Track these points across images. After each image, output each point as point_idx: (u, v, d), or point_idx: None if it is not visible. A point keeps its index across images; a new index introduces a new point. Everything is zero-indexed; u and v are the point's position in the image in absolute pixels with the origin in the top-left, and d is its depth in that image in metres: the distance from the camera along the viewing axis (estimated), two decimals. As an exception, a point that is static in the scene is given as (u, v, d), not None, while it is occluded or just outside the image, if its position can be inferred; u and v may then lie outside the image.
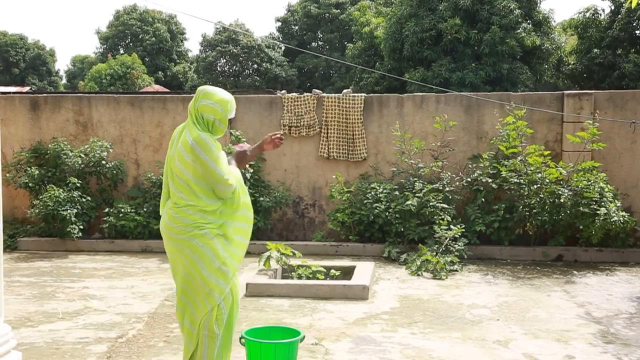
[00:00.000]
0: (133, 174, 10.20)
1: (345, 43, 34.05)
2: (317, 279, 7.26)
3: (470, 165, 9.42)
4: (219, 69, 40.93)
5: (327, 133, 9.84)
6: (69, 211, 9.22)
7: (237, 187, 3.92)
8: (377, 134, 9.79)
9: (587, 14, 21.18)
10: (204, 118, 3.85)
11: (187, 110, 3.68)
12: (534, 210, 8.71)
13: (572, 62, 22.22)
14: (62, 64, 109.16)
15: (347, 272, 7.49)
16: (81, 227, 9.47)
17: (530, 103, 9.42)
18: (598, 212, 8.35)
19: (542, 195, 8.69)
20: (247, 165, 9.36)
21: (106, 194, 10.01)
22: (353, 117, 9.74)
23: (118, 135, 10.22)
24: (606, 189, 8.62)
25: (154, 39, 43.80)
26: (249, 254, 9.08)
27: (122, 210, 9.54)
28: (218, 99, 3.87)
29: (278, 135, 4.23)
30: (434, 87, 11.84)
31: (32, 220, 9.81)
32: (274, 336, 4.26)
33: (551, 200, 8.63)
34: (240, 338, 4.17)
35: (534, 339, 5.46)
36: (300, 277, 7.33)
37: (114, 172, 9.82)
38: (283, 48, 39.65)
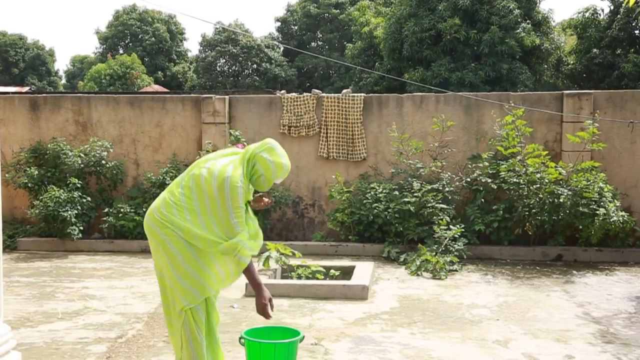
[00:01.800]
0: (133, 174, 10.19)
1: (345, 43, 34.07)
2: (317, 279, 7.26)
3: (469, 165, 9.42)
4: (218, 69, 40.96)
5: (327, 133, 9.84)
6: (69, 212, 9.21)
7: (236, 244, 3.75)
8: (377, 134, 9.79)
9: (587, 14, 21.19)
10: (255, 167, 3.80)
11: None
12: (534, 210, 8.71)
13: (572, 62, 22.24)
14: (61, 64, 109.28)
15: (347, 272, 7.49)
16: (81, 227, 9.47)
17: (530, 103, 9.42)
18: (597, 212, 8.36)
19: (541, 195, 8.69)
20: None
21: (106, 194, 10.01)
22: (352, 117, 9.74)
23: (117, 135, 10.22)
24: (605, 189, 8.62)
25: (153, 39, 43.80)
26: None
27: (122, 210, 9.54)
28: (277, 161, 3.81)
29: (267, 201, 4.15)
30: (432, 87, 11.84)
31: (32, 221, 9.81)
32: (274, 336, 4.26)
33: (550, 200, 8.63)
34: (240, 338, 4.16)
35: (534, 339, 5.46)
36: (299, 277, 7.33)
37: (114, 172, 9.82)
38: (282, 48, 39.65)
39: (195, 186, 3.77)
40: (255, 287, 3.93)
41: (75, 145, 10.03)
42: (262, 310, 3.92)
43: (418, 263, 8.06)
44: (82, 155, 9.71)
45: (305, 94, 10.16)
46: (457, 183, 9.29)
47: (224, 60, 40.67)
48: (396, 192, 9.15)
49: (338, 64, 33.94)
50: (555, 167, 8.71)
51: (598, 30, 20.80)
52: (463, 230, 8.64)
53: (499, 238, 9.04)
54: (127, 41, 45.28)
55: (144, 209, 9.54)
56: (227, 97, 10.11)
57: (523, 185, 8.79)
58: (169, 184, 9.30)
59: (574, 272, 8.13)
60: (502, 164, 8.97)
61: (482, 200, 9.17)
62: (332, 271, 7.41)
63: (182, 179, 3.89)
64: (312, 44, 41.72)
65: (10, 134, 10.27)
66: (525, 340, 5.42)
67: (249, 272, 3.89)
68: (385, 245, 8.94)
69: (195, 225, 3.75)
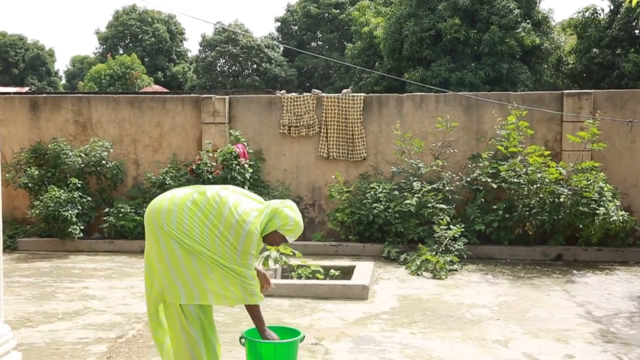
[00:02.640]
0: (133, 174, 10.20)
1: (345, 43, 34.05)
2: (317, 278, 7.26)
3: (469, 165, 9.42)
4: (218, 69, 40.94)
5: (327, 133, 9.84)
6: (70, 212, 9.22)
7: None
8: (377, 133, 9.79)
9: (587, 14, 21.18)
10: (273, 219, 3.90)
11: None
12: (534, 210, 8.71)
13: (572, 62, 22.23)
14: (61, 64, 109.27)
15: (347, 272, 7.49)
16: (82, 227, 9.47)
17: (530, 103, 9.42)
18: (597, 211, 8.36)
19: (541, 195, 8.69)
20: (246, 165, 9.37)
21: (106, 194, 10.01)
22: (352, 117, 9.74)
23: (117, 135, 10.23)
24: (605, 189, 8.62)
25: (153, 39, 43.79)
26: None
27: (122, 210, 9.54)
28: (296, 218, 3.93)
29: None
30: (433, 87, 11.84)
31: (32, 221, 9.81)
32: (274, 336, 4.26)
33: (551, 199, 8.63)
34: (240, 338, 4.16)
35: (534, 339, 5.46)
36: (299, 277, 7.33)
37: (114, 172, 9.82)
38: (282, 48, 39.64)
39: (218, 206, 3.86)
40: (259, 324, 4.03)
41: (76, 146, 10.03)
42: (266, 338, 4.06)
43: (418, 263, 8.06)
44: (83, 155, 9.71)
45: (305, 94, 10.16)
46: (457, 183, 9.29)
47: (224, 61, 40.65)
48: (396, 192, 9.15)
49: (338, 64, 33.92)
50: (556, 166, 8.71)
51: (598, 29, 20.78)
52: (463, 230, 8.64)
53: (499, 238, 9.03)
54: (127, 41, 45.26)
55: (144, 209, 9.49)
56: (227, 97, 10.11)
57: (523, 185, 8.79)
58: (169, 184, 9.38)
59: (574, 271, 8.13)
60: (503, 164, 8.97)
61: (482, 200, 9.17)
62: (332, 271, 7.41)
63: (209, 191, 3.96)
64: (312, 44, 41.69)
65: (10, 134, 10.27)
66: (525, 340, 5.42)
67: (254, 311, 3.99)
68: (386, 245, 8.93)
69: (188, 235, 3.87)
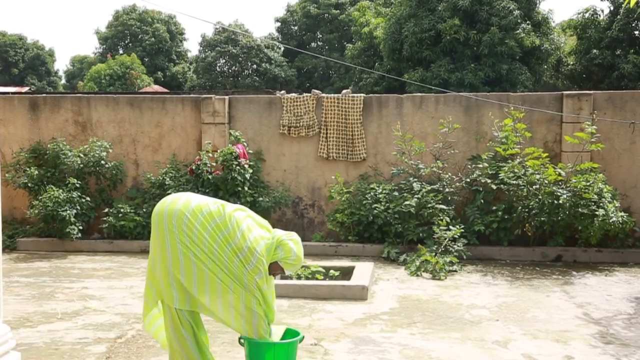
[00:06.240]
0: (132, 174, 10.19)
1: (345, 43, 34.04)
2: (317, 279, 7.26)
3: (469, 166, 9.42)
4: (218, 69, 40.92)
5: (327, 133, 9.84)
6: (68, 212, 9.21)
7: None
8: (377, 134, 9.79)
9: (586, 15, 21.21)
10: (277, 250, 3.99)
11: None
12: (533, 211, 8.71)
13: (571, 63, 22.24)
14: (61, 64, 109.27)
15: (347, 273, 7.49)
16: (80, 227, 9.47)
17: (530, 103, 9.42)
18: (597, 212, 8.36)
19: (540, 196, 8.69)
20: (246, 166, 9.37)
21: (105, 194, 10.00)
22: (352, 118, 9.74)
23: (117, 135, 10.22)
24: (605, 190, 8.62)
25: (153, 39, 43.80)
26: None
27: (122, 210, 9.53)
28: (298, 253, 4.06)
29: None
30: (433, 87, 11.84)
31: (31, 221, 9.81)
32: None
33: (550, 200, 8.63)
34: (240, 338, 4.16)
35: (533, 340, 5.46)
36: (299, 278, 7.33)
37: (113, 172, 9.82)
38: (282, 48, 39.64)
39: (232, 227, 3.92)
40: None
41: (75, 146, 10.03)
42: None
43: (418, 263, 8.06)
44: (82, 155, 9.71)
45: (305, 94, 10.16)
46: (457, 184, 9.29)
47: (224, 61, 40.63)
48: (396, 193, 9.15)
49: (338, 64, 33.91)
50: (554, 168, 8.72)
51: (598, 31, 20.80)
52: (463, 230, 8.64)
53: (498, 239, 9.03)
54: (127, 41, 45.27)
55: (144, 209, 9.54)
56: (227, 97, 10.11)
57: (522, 186, 8.79)
58: (168, 184, 9.38)
59: (574, 272, 8.13)
60: (502, 166, 8.96)
61: (482, 200, 9.16)
62: (331, 271, 7.41)
63: (228, 208, 4.00)
64: (312, 44, 41.67)
65: (10, 134, 10.27)
66: (524, 341, 5.42)
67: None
68: (385, 245, 8.93)
69: (197, 243, 3.90)
